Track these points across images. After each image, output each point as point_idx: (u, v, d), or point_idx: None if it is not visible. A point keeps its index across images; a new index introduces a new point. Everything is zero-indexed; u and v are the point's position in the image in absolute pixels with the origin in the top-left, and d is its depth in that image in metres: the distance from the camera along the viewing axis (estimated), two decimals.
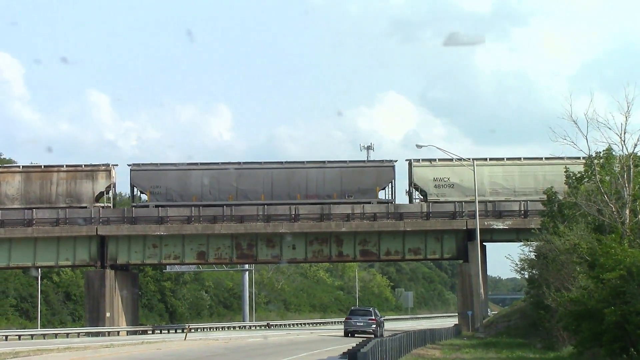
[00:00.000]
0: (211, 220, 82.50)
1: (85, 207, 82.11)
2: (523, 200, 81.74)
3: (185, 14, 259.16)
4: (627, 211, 42.14)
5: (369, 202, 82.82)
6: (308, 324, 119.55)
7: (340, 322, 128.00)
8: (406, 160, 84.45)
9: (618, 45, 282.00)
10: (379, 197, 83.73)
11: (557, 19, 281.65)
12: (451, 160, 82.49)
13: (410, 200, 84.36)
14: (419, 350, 47.45)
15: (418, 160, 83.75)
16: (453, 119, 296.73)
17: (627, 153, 43.60)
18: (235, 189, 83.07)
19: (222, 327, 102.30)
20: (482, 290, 78.70)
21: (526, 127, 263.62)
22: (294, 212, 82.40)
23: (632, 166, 42.99)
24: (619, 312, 32.98)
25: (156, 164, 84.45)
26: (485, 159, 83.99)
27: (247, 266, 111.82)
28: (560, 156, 77.15)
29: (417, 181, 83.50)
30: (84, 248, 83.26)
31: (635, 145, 43.36)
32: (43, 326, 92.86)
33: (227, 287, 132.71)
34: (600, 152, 47.43)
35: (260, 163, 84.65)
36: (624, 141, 43.16)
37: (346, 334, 66.96)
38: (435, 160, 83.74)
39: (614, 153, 46.48)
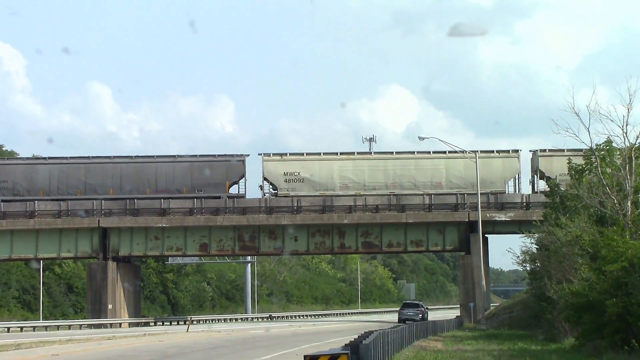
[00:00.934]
0: (213, 212, 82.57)
1: None
2: (372, 195, 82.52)
3: (188, 5, 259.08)
4: (629, 203, 42.12)
5: (219, 197, 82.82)
6: (310, 315, 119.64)
7: (342, 313, 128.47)
8: (259, 154, 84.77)
9: (620, 38, 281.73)
10: (229, 191, 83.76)
11: (559, 12, 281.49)
12: (302, 154, 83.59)
13: (264, 195, 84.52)
14: (421, 342, 47.48)
15: (269, 155, 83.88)
16: (455, 111, 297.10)
17: (629, 145, 43.53)
18: (84, 183, 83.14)
19: (225, 319, 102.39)
20: (484, 282, 78.77)
21: (528, 120, 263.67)
22: (296, 204, 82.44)
23: (633, 158, 42.95)
24: (621, 304, 32.99)
25: (3, 158, 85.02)
26: (336, 154, 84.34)
27: (249, 258, 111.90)
28: (411, 150, 78.40)
29: (267, 175, 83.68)
30: (86, 240, 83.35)
31: (637, 137, 43.32)
32: (45, 318, 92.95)
33: (229, 279, 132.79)
34: (601, 145, 47.39)
35: (109, 157, 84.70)
36: (626, 133, 43.13)
37: (399, 321, 77.90)
38: (286, 154, 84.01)
39: (615, 145, 46.43)
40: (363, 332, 26.93)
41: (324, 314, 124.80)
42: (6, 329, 73.17)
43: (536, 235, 57.98)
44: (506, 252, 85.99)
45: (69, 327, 79.61)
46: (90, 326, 78.74)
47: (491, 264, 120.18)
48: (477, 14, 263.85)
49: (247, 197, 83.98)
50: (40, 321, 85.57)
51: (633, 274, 33.31)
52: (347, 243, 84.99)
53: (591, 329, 36.42)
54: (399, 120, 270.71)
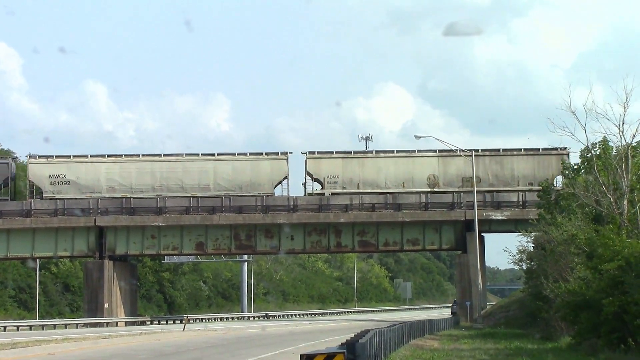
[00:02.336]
0: (210, 210, 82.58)
1: None
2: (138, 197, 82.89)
3: (184, 3, 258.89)
4: (625, 202, 42.12)
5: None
6: (307, 314, 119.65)
7: (338, 312, 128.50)
8: (26, 155, 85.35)
9: (616, 36, 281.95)
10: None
11: (555, 10, 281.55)
12: (69, 157, 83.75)
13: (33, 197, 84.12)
14: (418, 340, 47.50)
15: (35, 157, 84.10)
16: (451, 110, 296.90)
17: (625, 144, 43.54)
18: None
19: (221, 318, 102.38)
20: (480, 281, 78.85)
21: (525, 118, 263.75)
22: (292, 203, 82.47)
23: (630, 157, 42.97)
24: (617, 303, 33.00)
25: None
26: (103, 156, 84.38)
27: (245, 257, 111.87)
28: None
29: (32, 178, 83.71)
30: (82, 239, 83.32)
31: (634, 136, 43.31)
32: (41, 317, 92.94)
33: (225, 278, 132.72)
34: (596, 143, 47.41)
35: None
36: (623, 132, 43.11)
37: (452, 314, 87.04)
38: (52, 156, 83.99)
39: (610, 144, 46.46)
40: (359, 331, 26.92)
41: (320, 313, 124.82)
42: (2, 328, 73.17)
43: (532, 234, 58.03)
44: (502, 250, 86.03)
45: (65, 326, 79.62)
46: (86, 325, 78.72)
47: (487, 263, 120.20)
48: (474, 12, 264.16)
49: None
50: (37, 320, 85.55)
51: (629, 272, 33.33)
52: (343, 242, 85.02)
53: (588, 328, 36.45)
54: (395, 119, 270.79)
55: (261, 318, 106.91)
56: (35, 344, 46.55)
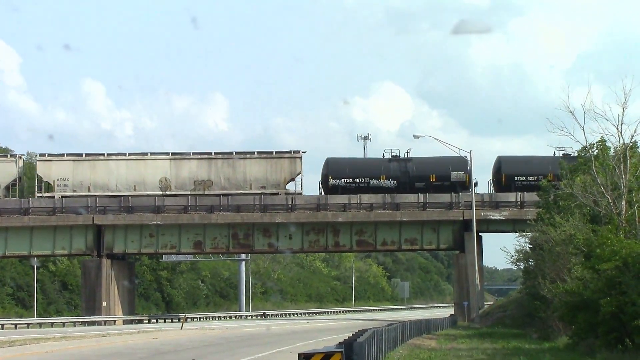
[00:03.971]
0: (208, 209, 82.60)
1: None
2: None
3: (184, 3, 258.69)
4: (623, 202, 42.16)
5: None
6: (304, 313, 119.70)
7: (336, 312, 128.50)
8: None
9: (615, 37, 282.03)
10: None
11: (553, 10, 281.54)
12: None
13: None
14: (415, 340, 47.54)
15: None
16: (449, 110, 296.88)
17: (623, 144, 43.57)
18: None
19: (219, 317, 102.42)
20: (478, 281, 78.96)
21: (523, 119, 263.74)
22: (290, 202, 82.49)
23: (628, 157, 43.01)
24: (615, 303, 33.03)
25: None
26: None
27: (243, 256, 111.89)
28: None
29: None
30: (80, 237, 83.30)
31: (632, 136, 43.36)
32: (39, 315, 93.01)
33: (223, 277, 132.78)
34: (594, 144, 47.46)
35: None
36: (621, 132, 43.15)
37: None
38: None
39: (608, 144, 46.50)
40: (357, 330, 26.95)
41: (318, 312, 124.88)
42: (0, 326, 73.14)
43: (530, 234, 58.05)
44: (500, 250, 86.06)
45: (63, 324, 79.64)
46: (84, 323, 78.78)
47: (485, 263, 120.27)
48: (472, 12, 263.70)
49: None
50: (35, 318, 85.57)
51: (627, 273, 33.37)
52: (341, 241, 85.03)
53: (585, 328, 36.50)
54: (393, 119, 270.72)
55: (259, 317, 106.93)
56: (33, 342, 46.58)
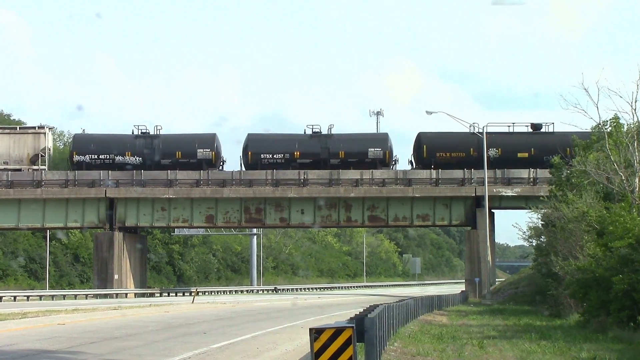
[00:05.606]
0: (220, 184, 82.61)
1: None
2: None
3: None
4: (637, 179, 41.99)
5: None
6: (316, 288, 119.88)
7: (347, 287, 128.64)
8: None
9: (631, 13, 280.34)
10: None
11: None
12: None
13: None
14: (426, 316, 47.55)
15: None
16: (461, 84, 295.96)
17: (637, 122, 43.35)
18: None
19: (230, 291, 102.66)
20: (489, 257, 78.83)
21: (537, 94, 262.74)
22: (302, 177, 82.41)
23: None
24: (627, 281, 32.97)
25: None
26: None
27: (255, 230, 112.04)
28: None
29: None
30: (92, 210, 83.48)
31: None
32: (51, 287, 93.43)
33: (235, 251, 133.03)
34: (608, 121, 47.24)
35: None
36: (635, 110, 42.94)
37: None
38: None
39: (622, 121, 46.26)
40: (368, 306, 26.93)
41: (329, 287, 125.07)
42: (13, 298, 73.49)
43: (543, 211, 57.91)
44: (512, 227, 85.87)
45: (75, 296, 79.98)
46: (96, 296, 79.09)
47: (497, 239, 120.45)
48: None
49: None
50: (47, 290, 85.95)
51: None
52: (353, 217, 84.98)
53: (597, 306, 36.44)
54: (404, 93, 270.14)
55: (270, 292, 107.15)
56: (45, 314, 46.72)
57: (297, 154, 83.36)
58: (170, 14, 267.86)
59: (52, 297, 78.42)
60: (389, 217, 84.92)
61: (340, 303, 67.89)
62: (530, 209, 63.28)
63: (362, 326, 18.83)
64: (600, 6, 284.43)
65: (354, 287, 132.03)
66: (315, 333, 16.20)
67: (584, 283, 37.61)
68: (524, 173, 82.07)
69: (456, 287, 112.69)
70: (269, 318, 45.81)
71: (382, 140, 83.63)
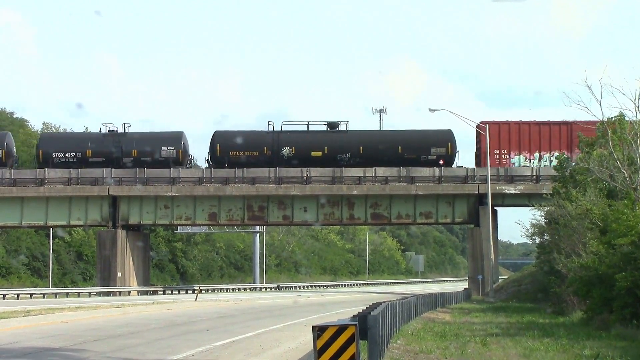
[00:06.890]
0: (223, 181, 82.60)
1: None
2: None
3: None
4: None
5: None
6: (318, 286, 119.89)
7: (350, 284, 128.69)
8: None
9: (634, 11, 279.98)
10: None
11: None
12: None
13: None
14: (429, 313, 47.56)
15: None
16: (465, 83, 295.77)
17: None
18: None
19: (233, 289, 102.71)
20: (492, 255, 78.80)
21: (540, 92, 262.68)
22: (305, 175, 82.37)
23: None
24: (630, 278, 32.92)
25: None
26: None
27: (258, 228, 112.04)
28: None
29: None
30: (95, 208, 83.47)
31: None
32: (54, 285, 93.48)
33: (238, 249, 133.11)
34: (612, 118, 47.15)
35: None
36: (638, 107, 42.87)
37: None
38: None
39: (626, 119, 46.19)
40: (371, 303, 26.92)
41: (332, 285, 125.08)
42: (16, 296, 73.57)
43: (546, 208, 57.86)
44: (515, 224, 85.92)
45: (78, 294, 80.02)
46: (99, 294, 79.12)
47: (500, 237, 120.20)
48: None
49: None
50: (50, 288, 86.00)
51: None
52: (356, 214, 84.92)
53: (600, 303, 36.40)
54: (407, 92, 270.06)
55: (273, 289, 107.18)
56: (49, 312, 46.75)
57: (89, 152, 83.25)
58: (172, 13, 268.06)
59: (55, 295, 78.48)
60: (392, 215, 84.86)
61: (343, 301, 67.89)
62: (533, 206, 63.22)
63: (365, 324, 18.81)
64: (601, 5, 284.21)
65: (356, 284, 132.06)
66: (318, 331, 16.19)
67: (587, 280, 37.57)
68: (527, 170, 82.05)
69: (459, 285, 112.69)
70: (272, 316, 45.82)
71: (175, 139, 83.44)
